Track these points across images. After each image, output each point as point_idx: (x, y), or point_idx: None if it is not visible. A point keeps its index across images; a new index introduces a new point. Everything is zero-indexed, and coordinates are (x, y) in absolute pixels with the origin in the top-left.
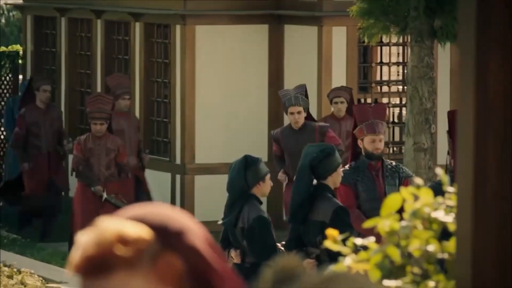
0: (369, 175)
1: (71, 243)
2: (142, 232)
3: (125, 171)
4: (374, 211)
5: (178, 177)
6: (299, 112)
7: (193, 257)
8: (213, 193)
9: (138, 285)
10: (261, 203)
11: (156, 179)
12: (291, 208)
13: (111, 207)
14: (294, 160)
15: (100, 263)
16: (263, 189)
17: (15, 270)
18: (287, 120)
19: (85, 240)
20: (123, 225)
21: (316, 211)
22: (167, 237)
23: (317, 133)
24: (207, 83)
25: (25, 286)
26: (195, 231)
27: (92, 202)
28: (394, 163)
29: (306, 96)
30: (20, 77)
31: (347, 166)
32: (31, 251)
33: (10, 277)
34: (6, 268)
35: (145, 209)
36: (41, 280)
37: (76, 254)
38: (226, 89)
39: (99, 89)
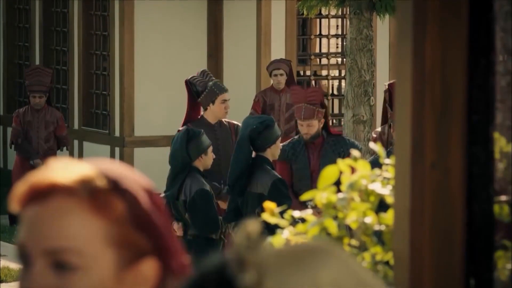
0: (305, 154)
1: (9, 216)
2: (87, 168)
3: (65, 143)
4: (301, 192)
5: (117, 149)
6: (228, 100)
7: (133, 202)
8: (153, 166)
9: (73, 210)
10: (203, 175)
11: (95, 152)
12: (230, 179)
13: None
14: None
15: (41, 188)
16: (205, 161)
17: None
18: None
19: (31, 174)
20: (69, 161)
21: (254, 183)
22: (110, 178)
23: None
24: (146, 56)
25: None
26: (139, 181)
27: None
28: (341, 137)
29: None
30: None
31: (287, 142)
32: None
33: None
34: None
35: (100, 161)
36: None
37: (21, 186)
38: (165, 62)
39: (37, 62)
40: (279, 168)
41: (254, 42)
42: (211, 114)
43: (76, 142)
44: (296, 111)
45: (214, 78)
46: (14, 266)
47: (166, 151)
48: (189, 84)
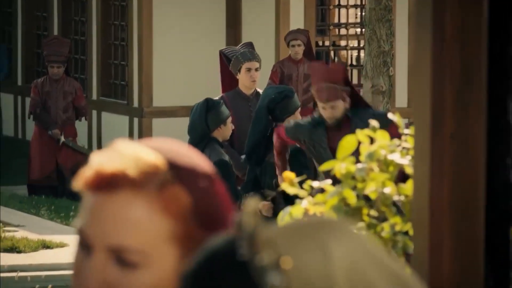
0: (324, 140)
1: (28, 186)
2: (156, 159)
3: (83, 114)
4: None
5: (136, 120)
6: (256, 69)
7: (201, 196)
8: (171, 136)
9: (140, 208)
10: (222, 146)
11: (114, 122)
12: (248, 149)
13: (68, 151)
14: (243, 134)
15: (108, 179)
16: (224, 132)
17: None
18: None
19: (99, 157)
20: (139, 149)
21: (273, 153)
22: (178, 171)
23: None
24: (164, 26)
25: None
26: (207, 172)
27: (50, 145)
28: (366, 111)
29: None
30: None
31: (304, 120)
32: None
33: None
34: None
35: (161, 142)
36: None
37: (88, 171)
38: (184, 32)
39: (56, 32)
40: (286, 138)
41: (273, 12)
42: (241, 83)
43: (94, 113)
44: (317, 92)
45: (251, 49)
46: (33, 236)
47: (184, 122)
48: (222, 54)
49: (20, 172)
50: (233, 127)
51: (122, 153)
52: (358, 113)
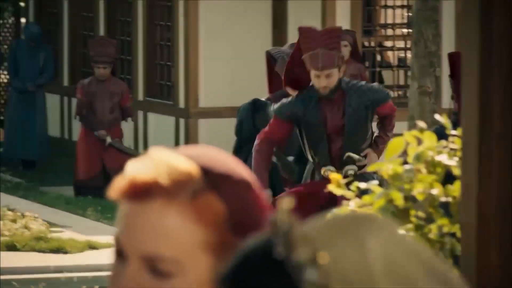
0: (318, 111)
1: (75, 187)
2: (188, 166)
3: (129, 114)
4: (317, 158)
5: (182, 121)
6: None
7: (236, 203)
8: (217, 137)
9: (173, 217)
10: None
11: (160, 123)
12: (298, 151)
13: (115, 151)
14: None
15: (142, 189)
16: None
17: (18, 214)
18: None
19: (133, 166)
20: (172, 156)
21: None
22: (212, 178)
23: None
24: (210, 27)
25: (29, 230)
26: (242, 178)
27: (96, 146)
28: (362, 86)
29: None
30: (23, 20)
31: (291, 98)
32: (34, 195)
33: (14, 221)
34: (9, 212)
35: (195, 149)
36: (45, 224)
37: (122, 179)
38: (230, 32)
39: (102, 33)
40: (273, 125)
41: (319, 12)
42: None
43: (140, 113)
44: (310, 59)
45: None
46: (79, 237)
47: (230, 122)
48: (268, 55)
49: (66, 173)
50: None
51: (155, 162)
52: (353, 86)
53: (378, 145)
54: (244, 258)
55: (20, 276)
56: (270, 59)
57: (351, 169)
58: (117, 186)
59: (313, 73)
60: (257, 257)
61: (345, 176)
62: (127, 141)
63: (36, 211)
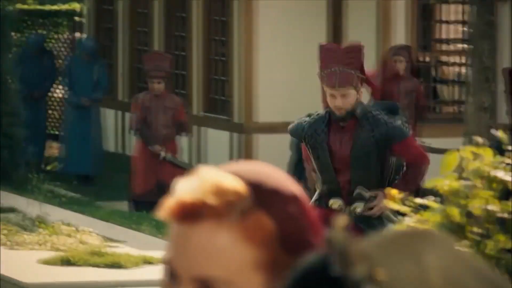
0: (325, 138)
1: (130, 201)
2: (237, 186)
3: (184, 129)
4: (324, 188)
5: (237, 136)
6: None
7: (286, 220)
8: (272, 152)
9: (223, 238)
10: None
11: (215, 138)
12: None
13: (170, 166)
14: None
15: (191, 210)
16: None
17: (74, 228)
18: None
19: (181, 186)
20: (220, 176)
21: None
22: (261, 196)
23: None
24: (266, 42)
25: (84, 244)
26: (292, 194)
27: (151, 161)
28: (379, 117)
29: None
30: (78, 35)
31: (302, 119)
32: (90, 209)
33: (69, 236)
34: (65, 227)
35: (244, 165)
36: (101, 239)
37: (171, 200)
38: (285, 48)
39: (157, 47)
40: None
41: (375, 27)
42: None
43: (195, 128)
44: (327, 76)
45: None
46: (135, 252)
47: (286, 137)
48: None
49: (121, 188)
50: None
51: (203, 182)
52: (369, 116)
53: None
54: (302, 276)
55: None
56: None
57: (358, 207)
58: (166, 207)
59: (328, 91)
60: (314, 275)
61: (351, 214)
62: (182, 156)
63: (91, 225)
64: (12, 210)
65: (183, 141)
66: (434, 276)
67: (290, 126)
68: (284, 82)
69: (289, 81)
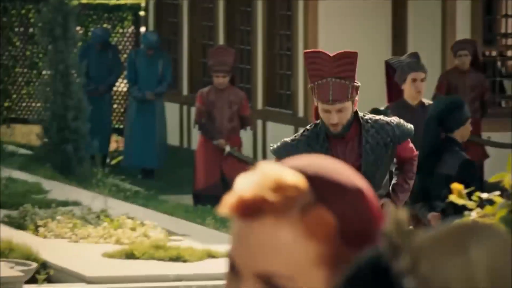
0: (327, 151)
1: (194, 195)
2: (298, 180)
3: (248, 123)
4: None
5: (299, 129)
6: (422, 80)
7: (347, 214)
8: None
9: (285, 234)
10: None
11: (279, 132)
12: (418, 160)
13: (234, 160)
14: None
15: (251, 207)
16: None
17: (138, 222)
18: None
19: (242, 182)
20: (280, 171)
21: (442, 164)
22: (322, 190)
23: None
24: (329, 35)
25: (148, 238)
26: (354, 187)
27: (215, 155)
28: (380, 121)
29: None
30: (142, 29)
31: (299, 134)
32: (154, 203)
33: (133, 229)
34: (129, 221)
35: (305, 160)
36: (164, 233)
37: (231, 196)
38: (349, 41)
39: (221, 42)
40: None
41: (439, 22)
42: (406, 94)
43: (259, 122)
44: (318, 90)
45: (417, 59)
46: (198, 246)
47: None
48: (387, 64)
49: (185, 182)
50: None
51: (264, 178)
52: (368, 119)
53: (397, 194)
54: (354, 271)
55: (139, 284)
56: (389, 69)
57: None
58: (227, 203)
59: (321, 107)
60: (366, 266)
61: None
62: (246, 150)
63: (155, 219)
64: (76, 204)
65: (247, 135)
66: (479, 270)
67: (274, 148)
68: None
69: None
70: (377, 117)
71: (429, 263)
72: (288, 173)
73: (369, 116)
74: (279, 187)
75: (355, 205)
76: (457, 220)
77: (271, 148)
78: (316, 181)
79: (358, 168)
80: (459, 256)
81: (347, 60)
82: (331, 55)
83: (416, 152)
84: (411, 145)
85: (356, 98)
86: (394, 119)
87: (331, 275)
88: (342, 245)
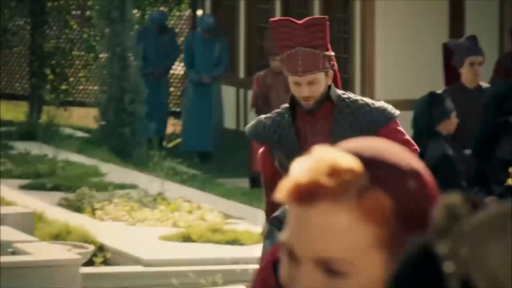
0: (291, 131)
1: (250, 179)
2: (353, 164)
3: None
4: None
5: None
6: (480, 63)
7: (404, 197)
8: None
9: (342, 218)
10: (446, 140)
11: None
12: (475, 144)
13: None
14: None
15: (308, 192)
16: (449, 126)
17: (194, 205)
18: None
19: (297, 167)
20: (335, 155)
21: (500, 148)
22: (378, 173)
23: None
24: (387, 18)
25: (204, 221)
26: (411, 169)
27: None
28: (361, 101)
29: None
30: (199, 12)
31: (268, 115)
32: (210, 186)
33: (190, 212)
34: (186, 204)
35: (360, 142)
36: (221, 216)
37: (287, 182)
38: (407, 24)
39: None
40: (257, 147)
41: (497, 5)
42: (464, 77)
43: None
44: (287, 61)
45: (475, 42)
46: (255, 229)
47: (407, 115)
48: (445, 47)
49: (241, 165)
50: (457, 121)
51: (319, 162)
52: (346, 98)
53: None
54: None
55: (196, 267)
56: (447, 52)
57: None
58: (282, 189)
59: (291, 79)
60: (415, 249)
61: None
62: None
63: (212, 202)
64: (133, 187)
65: None
66: None
67: (247, 127)
68: (405, 60)
69: (409, 59)
70: (358, 97)
71: (469, 248)
72: (343, 156)
73: (348, 95)
74: (335, 171)
75: (411, 187)
76: (502, 205)
77: (246, 129)
78: (372, 164)
79: None
80: (499, 241)
81: (317, 28)
82: (299, 22)
83: (415, 146)
84: (400, 128)
85: (330, 70)
86: (376, 102)
87: (389, 258)
88: (400, 227)
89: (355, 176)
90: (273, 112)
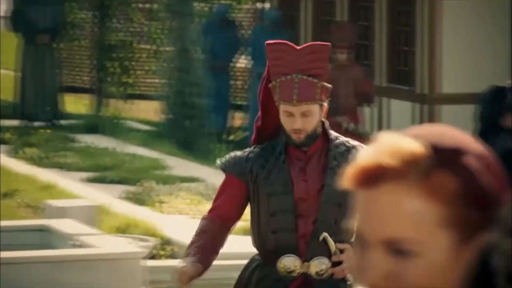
0: (285, 170)
1: None
2: (416, 145)
3: (370, 101)
4: (277, 240)
5: (423, 107)
6: None
7: (469, 177)
8: (456, 123)
9: (408, 198)
10: (510, 134)
11: (398, 109)
12: None
13: (352, 136)
14: None
15: (371, 174)
16: None
17: None
18: None
19: (362, 154)
20: (399, 139)
21: None
22: (442, 154)
23: None
24: (453, 13)
25: None
26: (474, 151)
27: (335, 131)
28: (350, 143)
29: None
30: (261, 5)
31: (250, 148)
32: None
33: None
34: None
35: (423, 128)
36: None
37: (352, 168)
38: (472, 18)
39: (343, 18)
40: (226, 183)
41: None
42: None
43: (382, 100)
44: (280, 88)
45: None
46: None
47: (471, 109)
48: None
49: None
50: None
51: (382, 146)
52: (338, 137)
53: None
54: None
55: None
56: None
57: (322, 265)
58: (348, 175)
59: (283, 108)
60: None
61: (310, 275)
62: (368, 127)
63: None
64: (195, 179)
65: (365, 112)
66: None
67: (222, 161)
68: (470, 53)
69: (474, 52)
70: (348, 138)
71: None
72: (406, 139)
73: (338, 134)
74: (397, 153)
75: (477, 168)
76: None
77: (218, 162)
78: (436, 146)
79: (320, 191)
80: None
81: (318, 55)
82: (298, 48)
83: None
84: None
85: (325, 104)
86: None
87: (457, 237)
88: (467, 208)
89: (419, 157)
90: (253, 147)
